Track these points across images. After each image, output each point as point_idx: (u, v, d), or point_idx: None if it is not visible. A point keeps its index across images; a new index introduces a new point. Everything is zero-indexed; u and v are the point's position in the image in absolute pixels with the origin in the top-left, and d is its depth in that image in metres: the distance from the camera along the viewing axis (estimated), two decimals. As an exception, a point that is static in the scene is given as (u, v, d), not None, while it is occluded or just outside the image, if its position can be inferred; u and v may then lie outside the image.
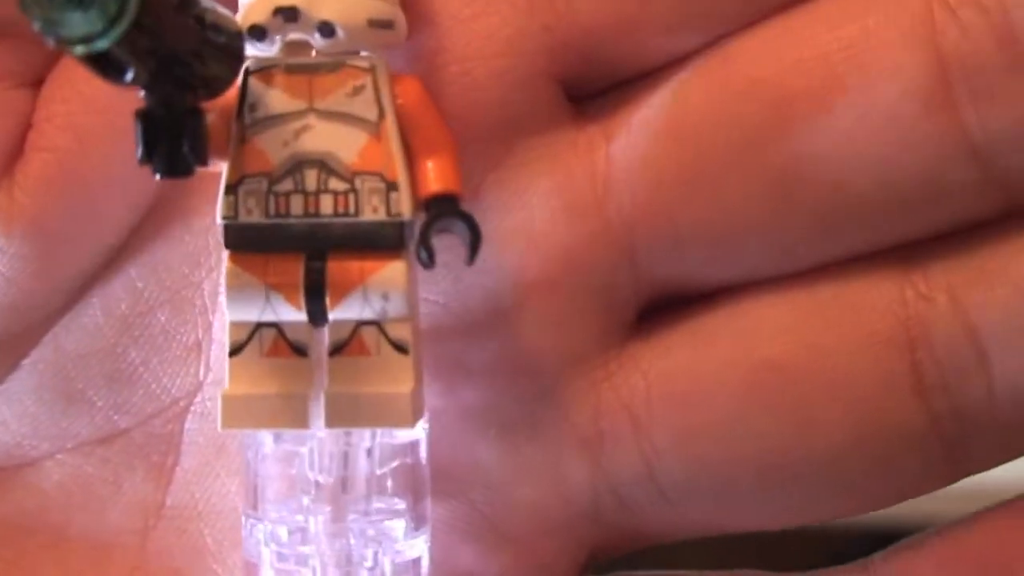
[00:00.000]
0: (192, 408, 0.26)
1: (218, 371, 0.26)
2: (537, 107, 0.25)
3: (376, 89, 0.23)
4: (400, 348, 0.23)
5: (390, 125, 0.23)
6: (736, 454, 0.25)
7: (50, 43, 0.18)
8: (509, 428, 0.26)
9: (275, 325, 0.23)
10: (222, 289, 0.25)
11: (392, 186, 0.23)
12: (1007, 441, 0.25)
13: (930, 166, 0.24)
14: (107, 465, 0.26)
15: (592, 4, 0.24)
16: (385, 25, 0.23)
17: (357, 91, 0.23)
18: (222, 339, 0.26)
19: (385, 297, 0.23)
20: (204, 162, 0.22)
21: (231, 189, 0.23)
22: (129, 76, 0.19)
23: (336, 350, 0.23)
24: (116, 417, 0.26)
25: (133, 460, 0.26)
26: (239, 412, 0.23)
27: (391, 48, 0.23)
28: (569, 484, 0.26)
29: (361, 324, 0.23)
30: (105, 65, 0.19)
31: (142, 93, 0.21)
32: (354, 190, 0.23)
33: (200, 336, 0.26)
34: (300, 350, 0.23)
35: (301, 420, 0.23)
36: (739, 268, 0.25)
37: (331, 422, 0.23)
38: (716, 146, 0.24)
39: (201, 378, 0.26)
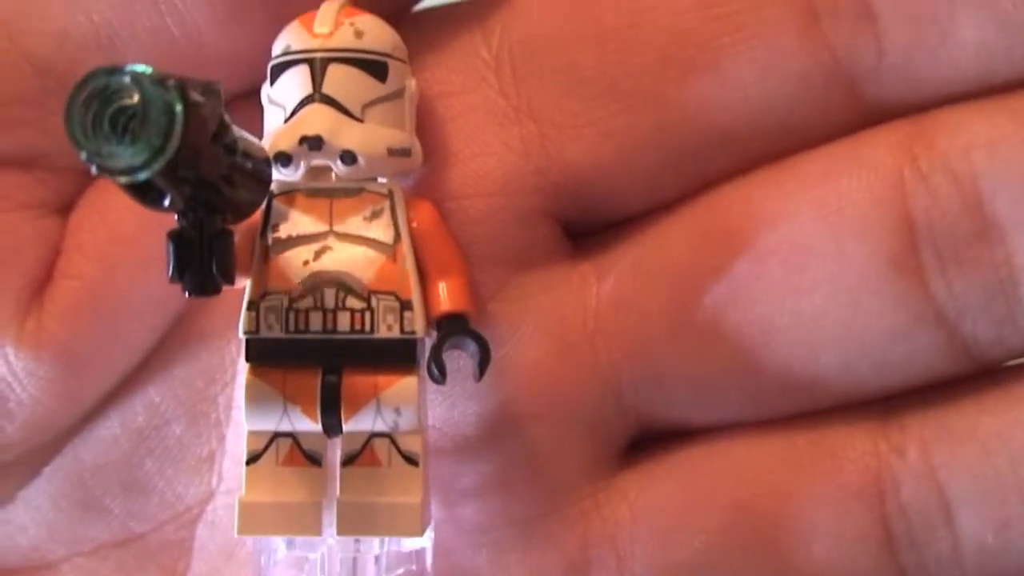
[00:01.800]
0: (204, 516, 0.27)
1: (230, 481, 0.27)
2: (532, 243, 0.26)
3: (393, 213, 0.24)
4: (411, 460, 0.24)
5: (405, 248, 0.24)
6: None
7: (95, 172, 0.19)
8: (501, 548, 0.26)
9: (291, 435, 0.24)
10: (238, 402, 0.27)
11: (406, 305, 0.24)
12: None
13: (898, 327, 0.24)
14: (122, 569, 0.27)
15: (581, 153, 0.26)
16: (403, 153, 0.24)
17: (375, 215, 0.24)
18: (235, 451, 0.27)
19: (397, 411, 0.24)
20: (232, 281, 0.23)
21: (253, 305, 0.24)
22: (167, 202, 0.21)
23: (349, 460, 0.24)
24: (131, 523, 0.27)
25: (147, 564, 0.27)
26: (255, 518, 0.24)
27: (408, 174, 0.25)
28: None
29: (374, 436, 0.24)
30: (145, 192, 0.20)
31: (176, 216, 0.22)
32: (370, 308, 0.24)
33: (214, 447, 0.27)
34: (315, 459, 0.24)
35: (314, 527, 0.24)
36: (719, 412, 0.26)
37: (342, 530, 0.24)
38: (696, 295, 0.25)
39: (213, 487, 0.27)
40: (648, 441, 0.27)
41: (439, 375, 0.24)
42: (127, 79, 0.19)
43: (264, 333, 0.24)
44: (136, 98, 0.19)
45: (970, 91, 0.25)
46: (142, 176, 0.19)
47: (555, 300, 0.26)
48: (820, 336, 0.25)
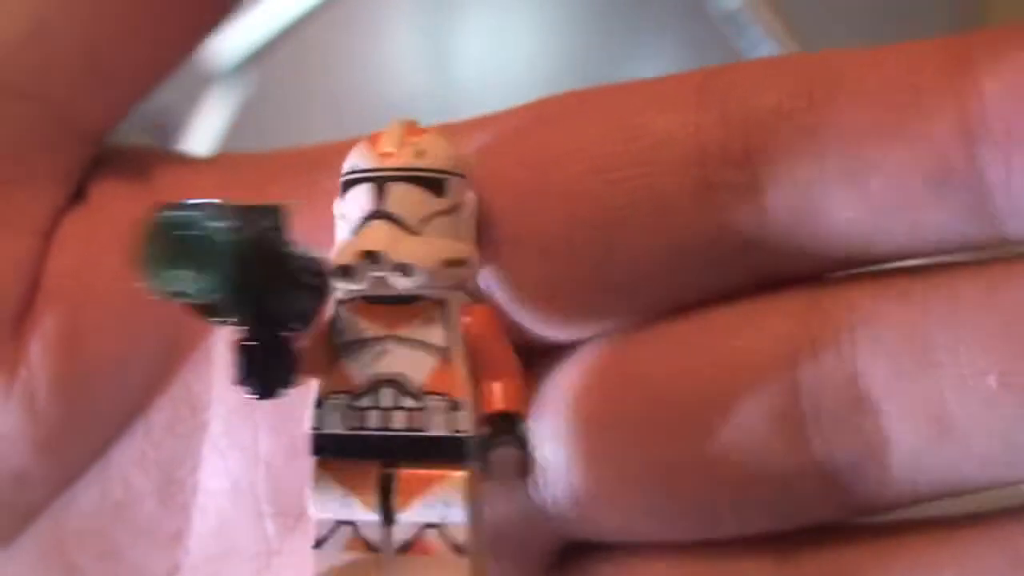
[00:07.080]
0: None
1: (195, 556, 0.30)
2: None
3: (446, 320, 0.26)
4: (458, 550, 0.26)
5: (457, 352, 0.26)
6: None
7: (159, 295, 0.22)
8: None
9: (352, 523, 0.26)
10: (205, 486, 0.30)
11: (454, 405, 0.26)
12: None
13: (783, 478, 0.27)
14: None
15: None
16: (458, 263, 0.26)
17: (429, 321, 0.26)
18: (201, 530, 0.30)
19: (446, 504, 0.26)
20: (293, 385, 0.25)
21: (319, 403, 0.26)
22: (229, 321, 0.23)
23: (403, 548, 0.26)
24: None
25: None
26: None
27: (465, 281, 0.27)
28: None
29: (426, 526, 0.26)
30: (208, 312, 0.23)
31: (239, 327, 0.24)
32: (423, 408, 0.26)
33: (180, 526, 0.30)
34: (373, 546, 0.26)
35: None
36: (635, 535, 0.28)
37: None
38: (610, 434, 0.28)
39: (179, 561, 0.30)
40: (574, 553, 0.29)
41: (484, 470, 0.26)
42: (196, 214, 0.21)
43: (327, 429, 0.26)
44: (201, 231, 0.21)
45: (852, 263, 0.27)
46: (207, 300, 0.22)
47: None
48: (717, 478, 0.27)
